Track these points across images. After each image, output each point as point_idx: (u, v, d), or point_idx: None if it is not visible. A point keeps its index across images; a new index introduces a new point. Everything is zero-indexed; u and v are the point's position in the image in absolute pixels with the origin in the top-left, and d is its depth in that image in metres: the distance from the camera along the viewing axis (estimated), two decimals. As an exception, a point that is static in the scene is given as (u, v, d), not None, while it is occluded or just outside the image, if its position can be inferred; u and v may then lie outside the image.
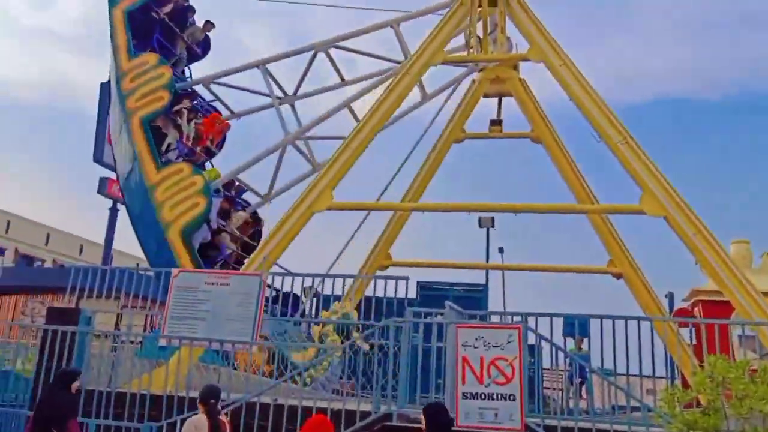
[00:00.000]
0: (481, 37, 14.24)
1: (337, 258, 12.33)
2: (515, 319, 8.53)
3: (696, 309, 12.04)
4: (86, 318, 9.46)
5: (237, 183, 15.51)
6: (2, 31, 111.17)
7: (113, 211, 27.74)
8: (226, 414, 7.07)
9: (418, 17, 15.07)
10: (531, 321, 8.18)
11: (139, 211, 13.67)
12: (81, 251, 45.44)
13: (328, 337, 9.48)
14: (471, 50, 14.32)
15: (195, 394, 8.31)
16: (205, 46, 17.48)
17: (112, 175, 23.48)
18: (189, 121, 15.33)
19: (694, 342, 8.93)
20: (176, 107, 14.91)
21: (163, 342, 9.26)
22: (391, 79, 15.36)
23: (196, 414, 6.14)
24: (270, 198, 15.12)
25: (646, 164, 10.97)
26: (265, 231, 15.55)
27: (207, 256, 13.48)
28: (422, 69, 13.52)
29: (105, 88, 18.06)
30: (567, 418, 7.44)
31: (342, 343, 9.21)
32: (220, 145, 16.38)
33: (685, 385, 8.08)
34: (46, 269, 35.76)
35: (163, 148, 14.28)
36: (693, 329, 8.53)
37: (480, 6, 13.38)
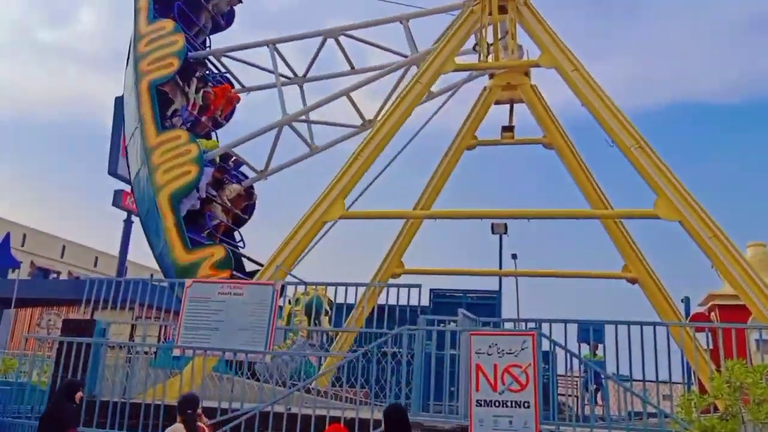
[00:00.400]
0: (492, 43, 14.29)
1: (298, 262, 12.45)
2: (529, 325, 8.53)
3: (712, 313, 11.92)
4: (101, 329, 9.59)
5: (234, 156, 15.80)
6: (21, 47, 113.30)
7: (127, 223, 28.02)
8: (214, 427, 7.20)
9: (428, 15, 15.24)
10: (545, 327, 8.17)
11: (137, 170, 14.14)
12: (96, 263, 45.94)
13: (296, 317, 9.60)
14: (481, 57, 14.35)
15: (209, 404, 8.44)
16: (229, 17, 17.90)
17: (127, 188, 23.76)
18: (198, 90, 15.71)
19: (711, 347, 8.88)
20: (185, 75, 15.29)
21: (176, 352, 9.36)
22: (397, 82, 15.67)
23: (175, 424, 6.31)
24: (266, 174, 15.46)
25: (660, 168, 10.92)
26: (258, 206, 16.07)
27: (196, 223, 13.78)
28: (433, 77, 13.60)
29: (119, 102, 18.43)
30: (582, 425, 7.40)
31: (309, 323, 9.38)
32: (228, 117, 16.76)
33: (702, 390, 8.00)
34: (62, 281, 36.20)
35: (168, 113, 14.70)
36: (709, 334, 8.46)
37: (490, 14, 13.43)
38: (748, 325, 8.94)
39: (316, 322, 12.07)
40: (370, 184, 13.62)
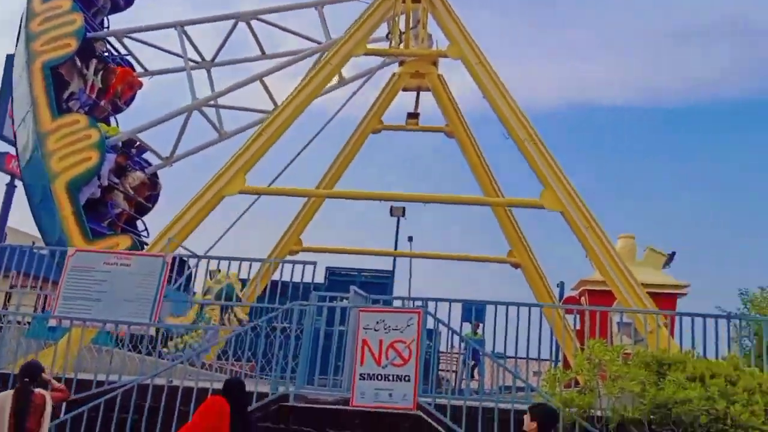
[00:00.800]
0: (404, 32, 14.41)
1: (218, 240, 12.23)
2: (416, 304, 8.72)
3: (582, 298, 12.75)
4: (-31, 296, 8.87)
5: (138, 142, 15.04)
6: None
7: (10, 188, 25.89)
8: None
9: (343, 2, 15.12)
10: (431, 306, 8.38)
11: (29, 157, 13.11)
12: (-24, 230, 42.34)
13: (207, 306, 9.34)
14: (393, 44, 14.46)
15: (85, 376, 8.03)
16: None
17: (12, 150, 21.96)
18: (96, 72, 14.79)
19: (579, 327, 9.47)
20: (84, 56, 14.34)
21: (52, 322, 8.82)
22: (311, 67, 15.45)
23: (5, 391, 6.09)
24: (171, 161, 14.86)
25: (548, 162, 11.46)
26: (162, 197, 15.41)
27: (96, 213, 13.09)
28: (343, 60, 13.53)
29: (10, 60, 16.93)
30: (456, 398, 7.70)
31: (222, 313, 9.16)
32: (128, 102, 15.89)
33: (568, 367, 8.55)
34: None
35: (65, 96, 13.78)
36: (578, 315, 9.04)
37: (404, 1, 13.52)
38: (611, 308, 9.63)
39: (229, 311, 11.61)
40: (288, 166, 13.47)
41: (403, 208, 15.81)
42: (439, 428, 7.26)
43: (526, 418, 4.98)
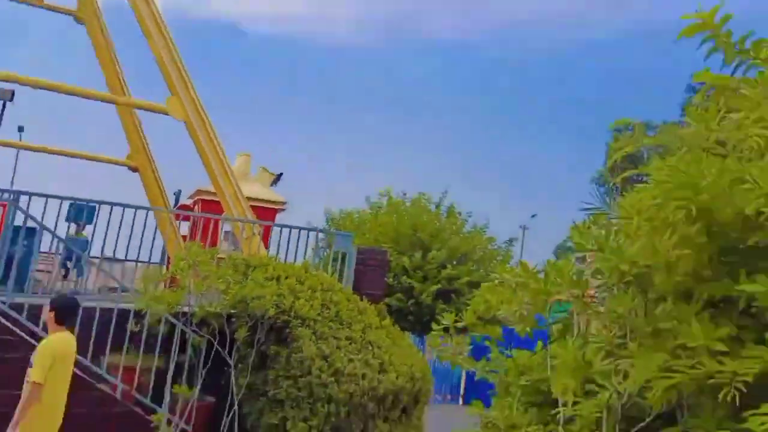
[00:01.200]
0: None
1: None
2: (5, 196, 7.54)
3: (197, 206, 12.97)
4: None
5: None
6: None
7: None
8: None
9: None
10: (29, 202, 7.36)
11: None
12: None
13: None
14: None
15: None
16: None
17: None
18: None
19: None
20: None
21: None
22: None
23: None
24: None
25: (179, 69, 10.95)
26: None
27: None
28: None
29: None
30: (39, 296, 7.07)
31: None
32: None
33: (171, 268, 8.69)
34: None
35: None
36: (191, 222, 9.17)
37: None
38: (212, 215, 9.89)
39: None
40: None
41: (12, 91, 13.07)
42: (15, 328, 6.57)
43: (46, 308, 5.12)
